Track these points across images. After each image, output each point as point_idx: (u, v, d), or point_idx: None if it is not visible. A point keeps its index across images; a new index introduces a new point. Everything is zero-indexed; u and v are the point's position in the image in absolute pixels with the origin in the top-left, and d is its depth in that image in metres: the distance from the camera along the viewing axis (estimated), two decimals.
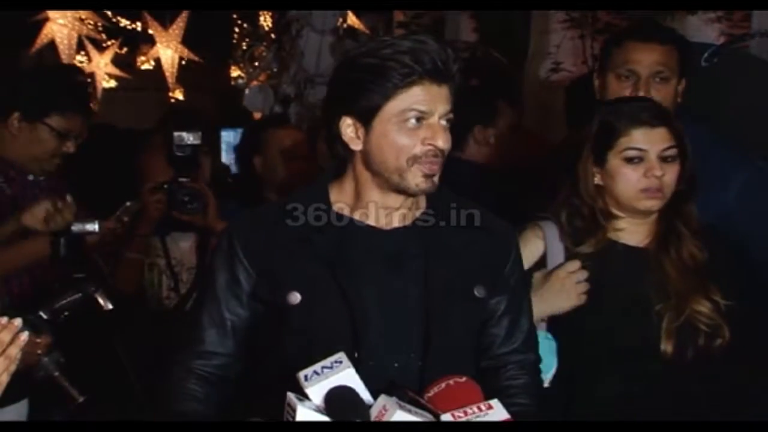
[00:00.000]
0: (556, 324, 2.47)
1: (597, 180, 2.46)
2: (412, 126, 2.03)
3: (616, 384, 2.40)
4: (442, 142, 2.04)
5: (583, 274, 2.42)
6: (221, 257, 2.17)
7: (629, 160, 2.41)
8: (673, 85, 2.91)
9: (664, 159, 2.40)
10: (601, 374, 2.42)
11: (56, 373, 2.01)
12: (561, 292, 2.41)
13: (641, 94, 2.84)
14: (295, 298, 2.08)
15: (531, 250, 2.49)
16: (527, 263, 2.45)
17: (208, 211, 3.16)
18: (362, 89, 2.04)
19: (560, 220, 2.49)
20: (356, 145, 2.09)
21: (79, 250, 2.91)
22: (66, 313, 2.22)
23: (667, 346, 2.37)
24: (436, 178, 2.08)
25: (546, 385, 2.43)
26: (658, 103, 2.54)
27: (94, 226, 2.90)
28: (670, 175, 2.41)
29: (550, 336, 2.46)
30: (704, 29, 4.81)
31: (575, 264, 2.43)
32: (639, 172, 2.40)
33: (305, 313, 2.08)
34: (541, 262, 2.49)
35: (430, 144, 2.03)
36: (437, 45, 2.05)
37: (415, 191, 2.08)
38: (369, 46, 2.09)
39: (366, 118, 2.05)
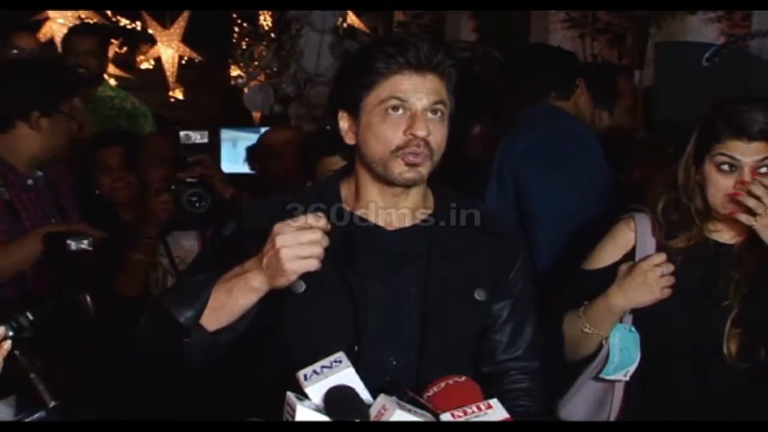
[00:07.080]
0: (639, 317, 2.39)
1: (698, 178, 2.36)
2: (394, 115, 2.03)
3: (692, 384, 2.35)
4: (424, 131, 2.02)
5: (669, 268, 2.31)
6: (230, 239, 2.13)
7: (720, 167, 2.31)
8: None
9: (759, 171, 2.28)
10: (678, 373, 2.37)
11: (32, 375, 2.01)
12: (642, 285, 2.30)
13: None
14: (300, 286, 2.06)
15: (620, 242, 2.44)
16: (616, 255, 2.42)
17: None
18: (350, 81, 2.07)
19: (655, 213, 2.41)
20: (350, 139, 2.10)
21: (73, 266, 2.93)
22: (51, 318, 2.22)
23: (731, 346, 2.30)
24: (422, 169, 2.05)
25: (626, 378, 2.39)
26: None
27: (88, 246, 2.92)
28: None
29: (633, 329, 2.39)
30: (704, 29, 4.81)
31: (660, 257, 2.32)
32: (729, 182, 2.30)
33: (308, 302, 2.06)
34: (630, 255, 2.42)
35: (411, 134, 2.02)
36: (427, 38, 2.06)
37: (400, 181, 2.06)
38: (367, 42, 2.13)
39: (354, 110, 2.07)
